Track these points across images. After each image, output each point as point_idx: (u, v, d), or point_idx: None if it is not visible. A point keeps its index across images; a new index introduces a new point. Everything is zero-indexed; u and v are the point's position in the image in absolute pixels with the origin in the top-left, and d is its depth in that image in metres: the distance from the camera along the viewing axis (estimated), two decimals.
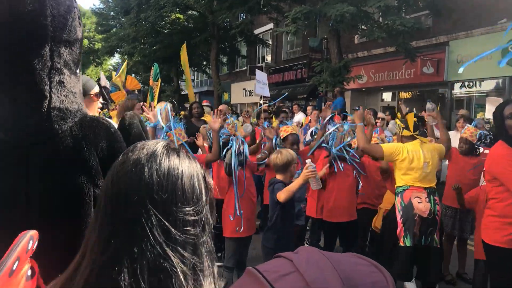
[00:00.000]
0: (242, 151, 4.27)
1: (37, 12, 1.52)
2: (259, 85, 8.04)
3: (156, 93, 12.65)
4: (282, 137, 4.94)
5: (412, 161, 4.04)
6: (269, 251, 3.86)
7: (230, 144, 4.32)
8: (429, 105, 4.56)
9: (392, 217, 4.14)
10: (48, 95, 1.60)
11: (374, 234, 5.33)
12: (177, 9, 20.80)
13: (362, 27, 12.92)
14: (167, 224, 0.89)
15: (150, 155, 0.95)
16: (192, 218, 0.93)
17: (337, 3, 11.06)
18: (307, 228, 5.74)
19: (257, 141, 6.48)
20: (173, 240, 0.90)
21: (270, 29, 23.14)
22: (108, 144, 1.68)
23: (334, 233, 4.91)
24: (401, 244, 4.00)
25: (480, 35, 12.42)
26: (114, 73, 16.75)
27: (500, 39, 12.42)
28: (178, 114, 11.83)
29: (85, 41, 42.26)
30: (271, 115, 9.19)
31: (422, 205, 3.95)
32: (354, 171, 4.94)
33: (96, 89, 3.42)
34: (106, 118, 1.83)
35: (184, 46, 13.73)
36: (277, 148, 5.00)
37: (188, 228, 0.92)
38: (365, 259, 0.78)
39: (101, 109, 9.52)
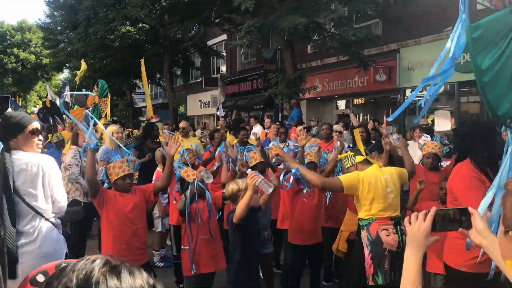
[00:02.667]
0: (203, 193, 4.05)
1: None
2: (220, 106, 7.96)
3: (106, 110, 12.23)
4: (250, 165, 4.75)
5: (374, 190, 3.67)
6: (231, 282, 3.70)
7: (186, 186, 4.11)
8: (394, 136, 4.38)
9: (358, 252, 3.79)
10: None
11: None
12: (127, 23, 20.32)
13: (315, 37, 13.00)
14: None
15: (82, 284, 0.74)
16: None
17: (289, 15, 11.06)
18: None
19: (215, 164, 6.30)
20: None
21: (224, 40, 23.01)
22: None
23: (300, 256, 4.79)
24: (371, 283, 3.62)
25: (428, 43, 12.78)
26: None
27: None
28: (131, 134, 11.51)
29: (32, 56, 40.84)
30: (227, 131, 9.06)
31: (390, 238, 3.61)
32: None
33: (34, 124, 3.15)
34: None
35: (142, 61, 13.47)
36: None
37: None
38: None
39: (49, 131, 9.07)
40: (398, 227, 3.70)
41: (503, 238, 1.38)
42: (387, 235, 3.62)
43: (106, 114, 11.07)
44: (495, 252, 1.51)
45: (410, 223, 1.61)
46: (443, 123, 7.47)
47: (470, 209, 1.60)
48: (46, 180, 3.05)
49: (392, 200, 3.71)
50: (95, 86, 12.17)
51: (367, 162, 3.91)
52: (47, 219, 3.09)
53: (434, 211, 1.57)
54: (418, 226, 1.56)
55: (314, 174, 3.96)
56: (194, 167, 5.42)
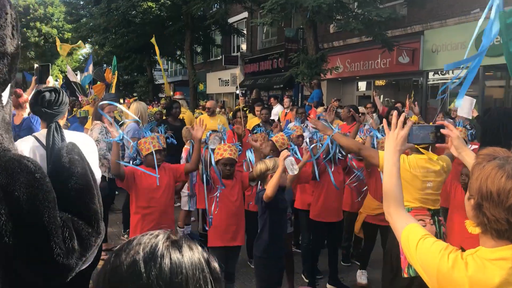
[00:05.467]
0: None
1: None
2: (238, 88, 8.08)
3: (113, 87, 12.39)
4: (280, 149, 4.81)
5: (411, 180, 3.42)
6: (258, 260, 3.80)
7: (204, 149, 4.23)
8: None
9: (393, 241, 3.48)
10: None
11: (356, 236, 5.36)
12: None
13: (338, 17, 12.84)
14: None
15: (148, 256, 0.82)
16: None
17: None
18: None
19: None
20: None
21: (245, 18, 22.86)
22: (29, 194, 1.26)
23: (323, 233, 4.88)
24: (405, 275, 3.36)
25: (454, 25, 12.53)
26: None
27: (473, 29, 12.53)
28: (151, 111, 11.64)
29: (54, 31, 41.12)
30: (246, 110, 9.11)
31: (426, 229, 3.34)
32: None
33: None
34: (33, 160, 1.39)
35: (153, 39, 13.45)
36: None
37: None
38: None
39: (72, 106, 9.22)
40: (436, 217, 3.50)
41: (466, 202, 1.55)
42: (423, 226, 3.40)
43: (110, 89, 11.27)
44: (469, 162, 1.76)
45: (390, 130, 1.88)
46: (467, 109, 7.41)
47: (446, 123, 1.88)
48: (91, 158, 3.13)
49: (430, 195, 3.48)
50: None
51: (417, 151, 3.52)
52: None
53: (410, 123, 1.84)
54: (397, 133, 1.83)
55: (350, 140, 3.89)
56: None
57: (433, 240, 1.57)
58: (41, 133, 2.96)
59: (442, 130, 1.86)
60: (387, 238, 3.98)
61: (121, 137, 3.70)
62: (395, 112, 1.84)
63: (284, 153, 3.52)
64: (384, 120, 2.19)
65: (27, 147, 2.85)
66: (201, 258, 0.88)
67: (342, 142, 3.84)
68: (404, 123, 1.83)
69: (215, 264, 0.91)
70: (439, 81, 13.84)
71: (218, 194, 4.01)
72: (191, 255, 0.87)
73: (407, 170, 3.44)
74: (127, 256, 0.82)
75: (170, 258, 0.83)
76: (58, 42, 14.98)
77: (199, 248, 0.90)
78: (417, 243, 1.58)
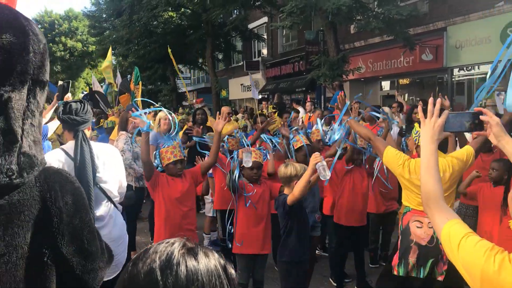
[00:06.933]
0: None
1: (21, 45, 1.33)
2: (253, 88, 8.13)
3: (138, 97, 12.54)
4: (295, 147, 4.82)
5: (411, 185, 3.39)
6: (283, 265, 3.78)
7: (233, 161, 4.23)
8: None
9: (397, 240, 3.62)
10: (20, 139, 1.37)
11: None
12: (170, 8, 20.61)
13: (358, 17, 12.75)
14: None
15: (165, 264, 0.83)
16: None
17: None
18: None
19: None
20: None
21: (265, 23, 22.92)
22: (74, 200, 1.48)
23: (346, 237, 4.83)
24: (395, 272, 3.47)
25: (478, 19, 12.27)
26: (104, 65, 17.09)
27: (498, 22, 12.24)
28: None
29: (79, 44, 42.12)
30: (275, 113, 9.16)
31: (421, 231, 3.34)
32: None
33: None
34: (68, 171, 1.61)
35: (169, 50, 13.93)
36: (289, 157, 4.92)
37: None
38: None
39: (100, 118, 9.40)
40: None
41: (511, 200, 1.51)
42: (418, 227, 3.38)
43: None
44: (509, 151, 1.69)
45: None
46: (500, 105, 7.29)
47: (484, 110, 1.75)
48: (117, 167, 3.22)
49: None
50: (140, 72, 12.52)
51: None
52: (115, 205, 3.25)
53: (447, 111, 1.75)
54: (433, 122, 1.74)
55: (365, 128, 3.87)
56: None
57: (477, 238, 1.45)
58: (68, 145, 3.05)
59: (481, 117, 1.74)
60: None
61: (148, 126, 3.72)
62: (430, 100, 1.76)
63: (316, 156, 3.32)
64: (420, 108, 2.08)
65: (55, 159, 2.93)
66: (217, 264, 0.89)
67: (357, 130, 3.88)
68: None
69: (232, 270, 0.91)
70: (464, 77, 13.57)
71: (247, 201, 4.02)
72: (207, 262, 0.88)
73: (406, 179, 3.42)
74: (144, 264, 0.84)
75: (186, 266, 0.84)
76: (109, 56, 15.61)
77: (215, 254, 0.91)
78: (459, 242, 1.46)
